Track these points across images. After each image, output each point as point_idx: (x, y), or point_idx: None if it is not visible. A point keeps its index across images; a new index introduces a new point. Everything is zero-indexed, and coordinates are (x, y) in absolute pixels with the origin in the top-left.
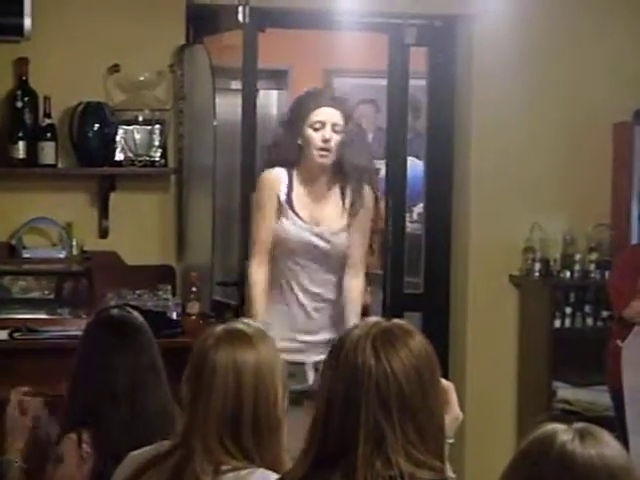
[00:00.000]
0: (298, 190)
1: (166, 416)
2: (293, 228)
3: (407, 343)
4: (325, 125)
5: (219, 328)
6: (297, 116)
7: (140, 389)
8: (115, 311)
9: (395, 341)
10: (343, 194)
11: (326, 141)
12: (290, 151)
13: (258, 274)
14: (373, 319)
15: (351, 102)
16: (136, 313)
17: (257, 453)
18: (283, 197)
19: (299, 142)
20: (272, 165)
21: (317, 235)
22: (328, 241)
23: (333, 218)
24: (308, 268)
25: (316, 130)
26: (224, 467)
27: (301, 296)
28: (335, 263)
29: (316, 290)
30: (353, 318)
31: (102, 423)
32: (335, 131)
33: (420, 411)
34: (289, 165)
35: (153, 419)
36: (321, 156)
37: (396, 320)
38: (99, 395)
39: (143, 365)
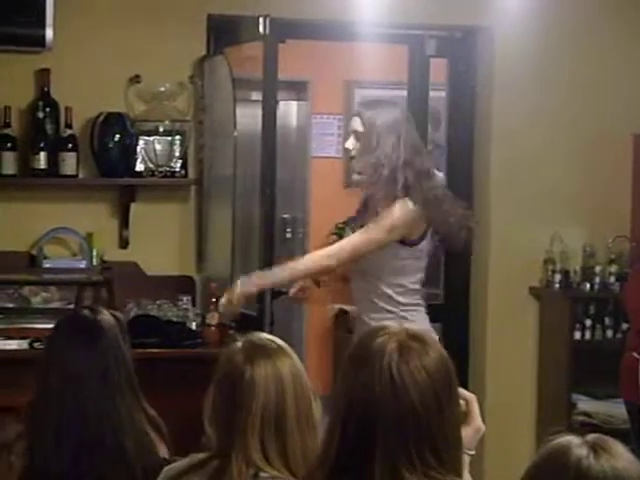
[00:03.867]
0: None
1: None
2: None
3: (424, 357)
4: (349, 134)
5: (244, 342)
6: None
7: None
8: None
9: (412, 355)
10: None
11: (346, 150)
12: None
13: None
14: (389, 329)
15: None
16: (107, 315)
17: (300, 454)
18: None
19: None
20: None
21: None
22: None
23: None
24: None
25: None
26: (263, 474)
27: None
28: (369, 277)
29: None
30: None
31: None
32: (356, 138)
33: (437, 426)
34: None
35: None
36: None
37: (412, 330)
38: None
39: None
